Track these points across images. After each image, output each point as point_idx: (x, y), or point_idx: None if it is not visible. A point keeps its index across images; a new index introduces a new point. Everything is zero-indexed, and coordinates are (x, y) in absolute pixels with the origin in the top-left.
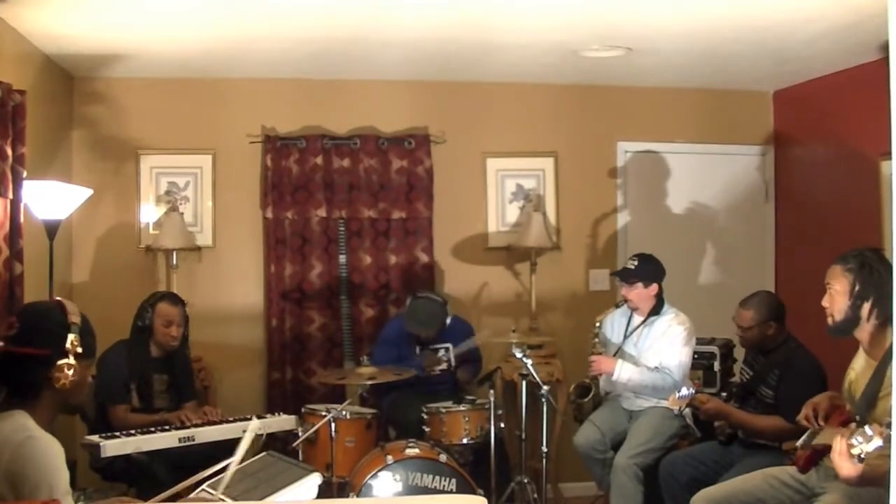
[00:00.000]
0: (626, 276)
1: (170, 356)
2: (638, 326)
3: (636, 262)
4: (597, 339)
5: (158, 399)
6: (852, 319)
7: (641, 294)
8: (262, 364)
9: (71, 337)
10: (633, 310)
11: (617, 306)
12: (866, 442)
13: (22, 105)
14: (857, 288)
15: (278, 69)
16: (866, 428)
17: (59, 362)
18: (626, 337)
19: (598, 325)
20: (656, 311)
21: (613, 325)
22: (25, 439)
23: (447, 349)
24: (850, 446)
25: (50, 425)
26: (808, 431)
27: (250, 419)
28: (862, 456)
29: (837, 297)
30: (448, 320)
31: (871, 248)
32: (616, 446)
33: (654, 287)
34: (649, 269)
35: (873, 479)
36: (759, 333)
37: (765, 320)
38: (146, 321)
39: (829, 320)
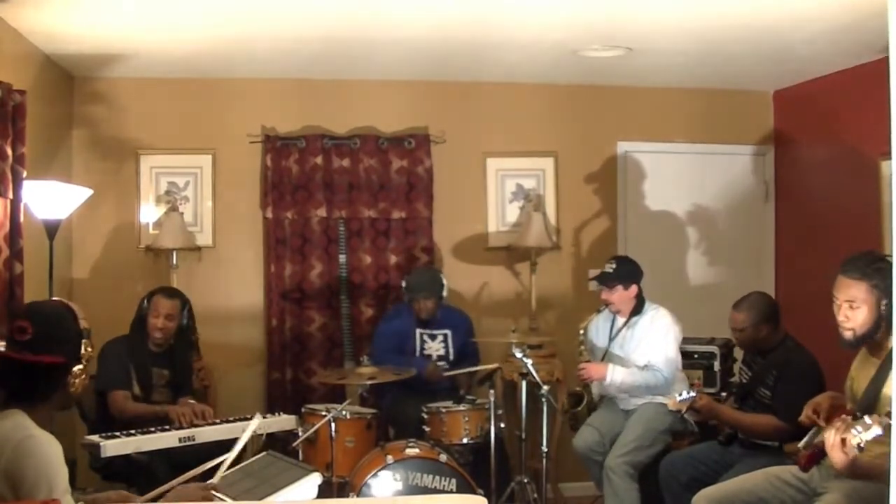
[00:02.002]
0: (606, 280)
1: (170, 352)
2: (622, 328)
3: (614, 265)
4: (583, 347)
5: (157, 393)
6: (874, 333)
7: (622, 296)
8: (262, 364)
9: (85, 343)
10: (615, 312)
11: (598, 311)
12: (865, 430)
13: (22, 105)
14: (884, 302)
15: (278, 69)
16: (865, 417)
17: (75, 369)
18: (611, 340)
19: (581, 332)
20: (637, 311)
21: (598, 329)
22: (25, 438)
23: (446, 335)
24: (849, 437)
25: (49, 424)
26: (810, 432)
27: (250, 419)
28: (861, 445)
29: (861, 312)
30: (444, 291)
31: (880, 255)
32: None
33: (634, 288)
34: (627, 271)
35: (868, 472)
36: (753, 335)
37: (756, 323)
38: (143, 313)
39: (850, 334)
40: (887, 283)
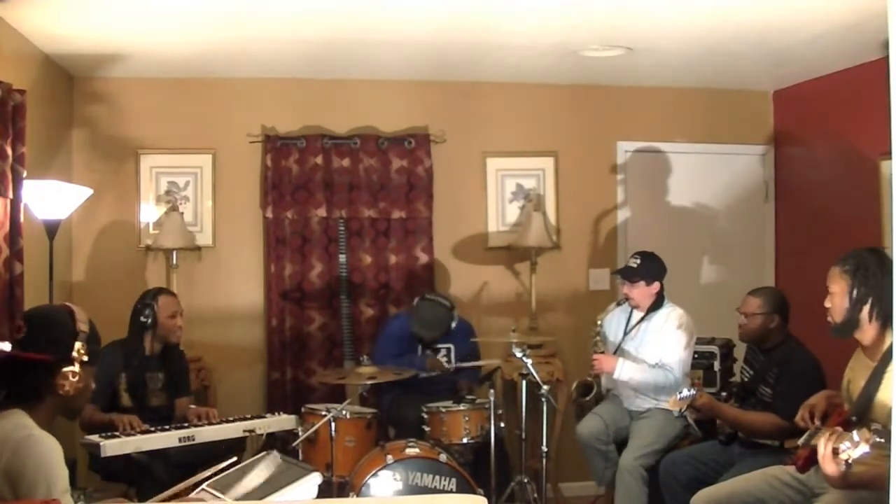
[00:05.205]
0: (629, 275)
1: (165, 353)
2: (637, 323)
3: (638, 261)
4: (598, 338)
5: (154, 398)
6: (852, 321)
7: (643, 292)
8: (262, 364)
9: (78, 345)
10: (634, 307)
11: (618, 304)
12: (853, 447)
13: (22, 105)
14: (855, 290)
15: (278, 69)
16: (854, 433)
17: (64, 370)
18: (625, 334)
19: (599, 323)
20: (655, 307)
21: (612, 322)
22: (25, 437)
23: (449, 349)
24: (837, 451)
25: (49, 426)
26: (808, 431)
27: (249, 419)
28: (849, 461)
29: (836, 299)
30: (453, 325)
31: (870, 248)
32: (617, 441)
33: (656, 285)
34: (651, 268)
35: (859, 483)
36: (762, 324)
37: (770, 311)
38: (150, 318)
39: (830, 321)
40: (863, 269)
